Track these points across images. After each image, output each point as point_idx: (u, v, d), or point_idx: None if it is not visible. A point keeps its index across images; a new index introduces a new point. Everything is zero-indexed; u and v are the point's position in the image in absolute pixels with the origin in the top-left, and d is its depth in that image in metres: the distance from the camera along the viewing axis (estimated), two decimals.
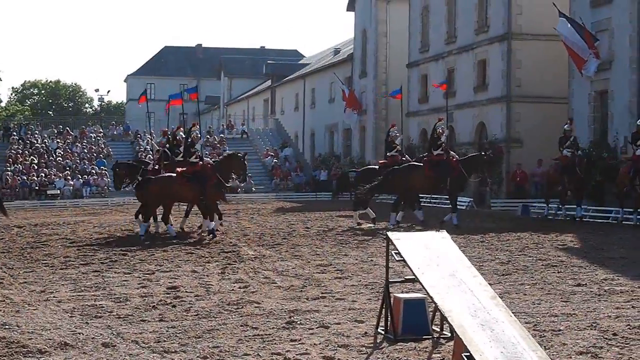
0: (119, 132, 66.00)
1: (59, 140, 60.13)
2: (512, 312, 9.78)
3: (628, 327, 11.55)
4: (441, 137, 29.15)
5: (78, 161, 56.82)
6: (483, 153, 30.06)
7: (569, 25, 34.80)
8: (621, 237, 24.25)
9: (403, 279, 11.93)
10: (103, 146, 60.37)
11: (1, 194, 27.32)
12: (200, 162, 25.97)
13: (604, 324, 11.71)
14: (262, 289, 15.29)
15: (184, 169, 26.01)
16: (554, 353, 10.02)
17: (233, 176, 27.65)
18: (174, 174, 26.13)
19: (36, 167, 53.86)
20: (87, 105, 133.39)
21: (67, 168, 54.55)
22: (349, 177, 31.93)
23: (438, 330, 11.11)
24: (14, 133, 60.80)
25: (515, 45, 42.53)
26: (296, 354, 10.28)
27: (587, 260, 19.11)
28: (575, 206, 31.06)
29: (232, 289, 15.31)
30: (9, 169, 52.60)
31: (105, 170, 54.94)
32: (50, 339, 11.14)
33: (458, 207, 29.78)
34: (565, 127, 31.26)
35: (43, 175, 52.51)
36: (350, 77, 62.06)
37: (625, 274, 16.30)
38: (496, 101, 43.52)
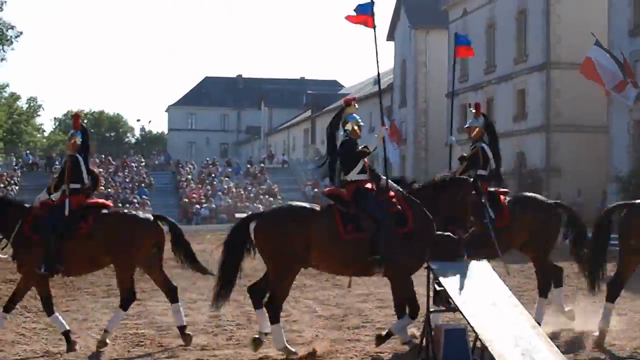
0: (160, 161, 66.56)
1: (100, 170, 60.65)
2: (553, 342, 9.78)
3: None
4: None
5: (120, 190, 57.30)
6: None
7: (604, 52, 34.62)
8: None
9: (444, 309, 11.93)
10: (145, 176, 60.87)
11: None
12: None
13: None
14: (303, 318, 15.33)
15: None
16: None
17: None
18: None
19: None
20: (128, 134, 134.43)
21: (109, 197, 54.96)
22: None
23: None
24: (56, 162, 61.46)
25: (554, 75, 42.51)
26: None
27: (628, 290, 18.93)
28: None
29: None
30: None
31: (147, 199, 55.36)
32: None
33: None
34: None
35: None
36: (390, 107, 62.10)
37: None
38: (535, 131, 43.44)
